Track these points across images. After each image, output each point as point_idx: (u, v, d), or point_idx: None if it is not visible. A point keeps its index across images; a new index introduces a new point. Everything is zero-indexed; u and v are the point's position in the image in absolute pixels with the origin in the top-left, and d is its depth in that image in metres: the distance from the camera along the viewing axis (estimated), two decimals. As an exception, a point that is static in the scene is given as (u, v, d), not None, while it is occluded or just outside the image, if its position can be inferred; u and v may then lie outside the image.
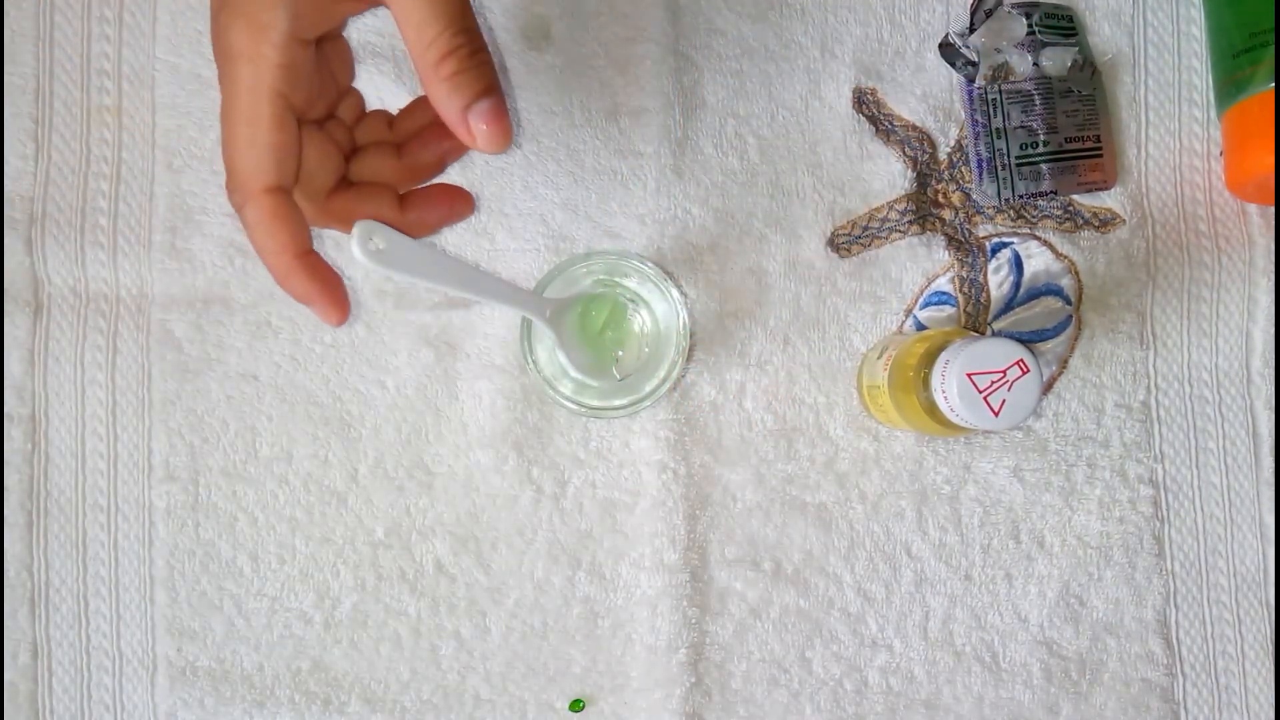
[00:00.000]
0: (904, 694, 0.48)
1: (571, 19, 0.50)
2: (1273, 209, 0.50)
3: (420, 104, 0.40)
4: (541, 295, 0.46)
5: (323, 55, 0.37)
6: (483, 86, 0.34)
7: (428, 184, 0.40)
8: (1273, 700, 0.49)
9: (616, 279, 0.48)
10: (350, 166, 0.38)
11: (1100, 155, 0.50)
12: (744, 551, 0.48)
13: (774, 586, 0.48)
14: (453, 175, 0.49)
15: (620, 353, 0.48)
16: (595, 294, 0.47)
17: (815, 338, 0.49)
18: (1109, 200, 0.50)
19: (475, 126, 0.34)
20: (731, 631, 0.48)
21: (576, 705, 0.48)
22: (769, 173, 0.49)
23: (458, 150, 0.40)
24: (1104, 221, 0.50)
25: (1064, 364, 0.49)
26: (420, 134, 0.39)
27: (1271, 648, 0.50)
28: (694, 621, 0.48)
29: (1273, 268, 0.50)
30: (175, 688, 0.48)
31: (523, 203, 0.49)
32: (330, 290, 0.36)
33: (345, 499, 0.48)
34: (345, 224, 0.37)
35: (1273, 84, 0.46)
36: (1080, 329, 0.49)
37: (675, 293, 0.46)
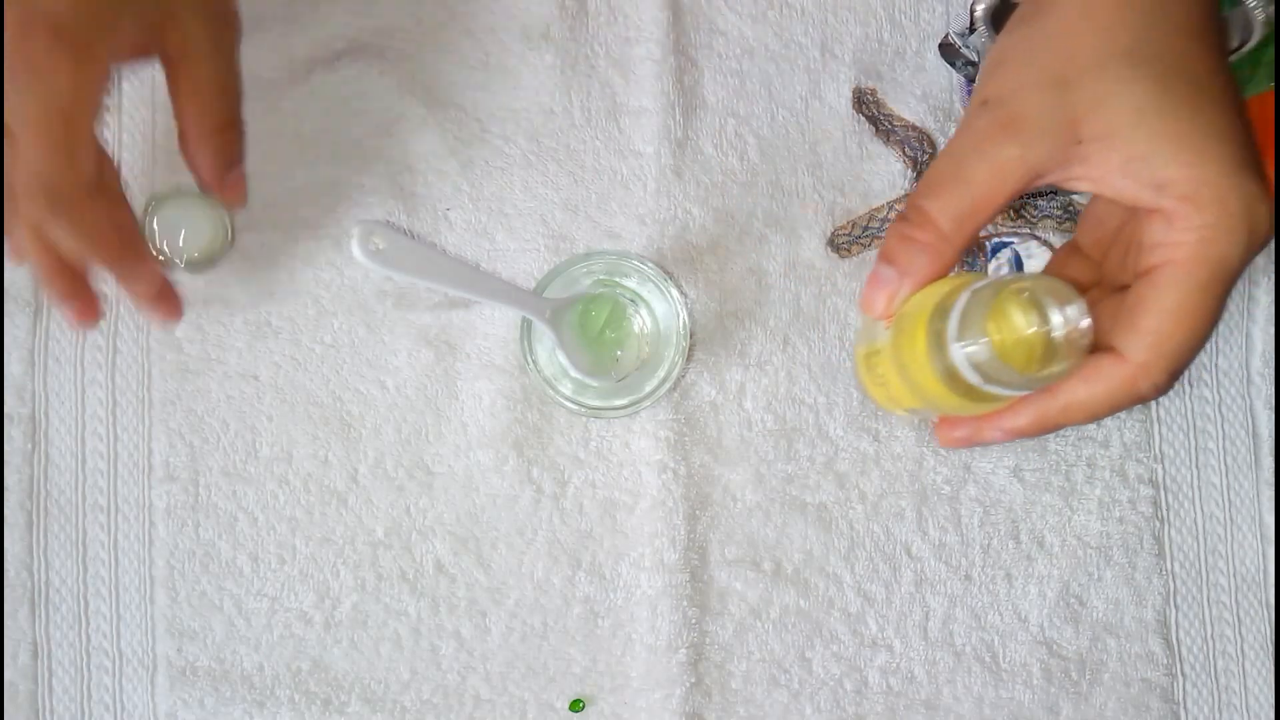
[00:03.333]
0: (904, 694, 0.48)
1: (572, 19, 0.50)
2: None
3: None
4: (541, 295, 0.46)
5: None
6: (238, 156, 0.46)
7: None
8: (1273, 700, 0.49)
9: (616, 279, 0.48)
10: None
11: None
12: (744, 552, 0.48)
13: (774, 587, 0.48)
14: (454, 175, 0.49)
15: (620, 353, 0.48)
16: (595, 294, 0.47)
17: (815, 338, 0.49)
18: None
19: (232, 185, 0.45)
20: (731, 631, 0.48)
21: (576, 705, 0.48)
22: (769, 173, 0.49)
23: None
24: (1104, 221, 0.50)
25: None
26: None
27: (1271, 648, 0.50)
28: (694, 621, 0.48)
29: (1273, 268, 0.50)
30: (175, 688, 0.48)
31: (523, 203, 0.49)
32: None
33: (345, 499, 0.48)
34: None
35: (1273, 84, 0.46)
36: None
37: (675, 293, 0.46)
